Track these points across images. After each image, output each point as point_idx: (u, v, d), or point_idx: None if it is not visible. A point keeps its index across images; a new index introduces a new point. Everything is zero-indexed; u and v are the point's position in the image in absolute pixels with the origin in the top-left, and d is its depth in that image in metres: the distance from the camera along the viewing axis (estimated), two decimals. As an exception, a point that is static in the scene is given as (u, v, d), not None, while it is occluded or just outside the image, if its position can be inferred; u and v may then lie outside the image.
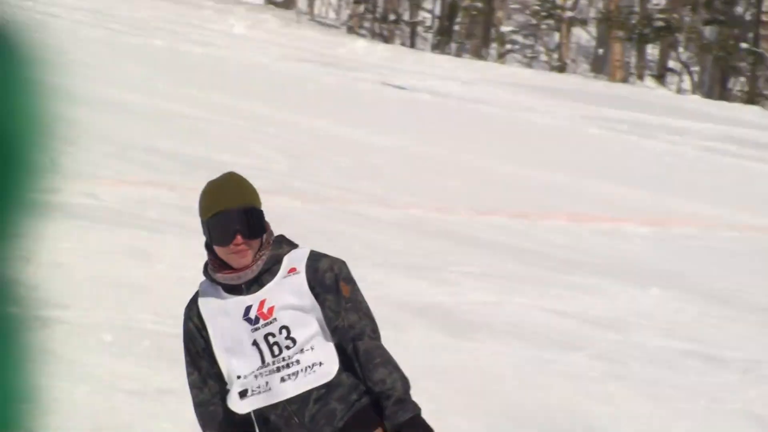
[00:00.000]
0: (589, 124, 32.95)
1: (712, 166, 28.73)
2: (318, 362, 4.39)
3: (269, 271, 4.42)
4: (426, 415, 8.47)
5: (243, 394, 4.40)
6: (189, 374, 4.57)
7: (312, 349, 4.41)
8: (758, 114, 44.93)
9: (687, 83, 56.82)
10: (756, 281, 14.88)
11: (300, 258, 4.46)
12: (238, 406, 4.39)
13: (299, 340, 4.40)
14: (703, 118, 37.37)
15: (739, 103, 49.13)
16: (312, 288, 4.40)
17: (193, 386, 4.55)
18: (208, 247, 4.43)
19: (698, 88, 55.52)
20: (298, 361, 4.39)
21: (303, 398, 4.36)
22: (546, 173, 22.88)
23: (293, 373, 4.37)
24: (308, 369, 4.38)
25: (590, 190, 21.96)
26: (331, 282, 4.41)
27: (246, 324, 4.42)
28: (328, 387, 4.37)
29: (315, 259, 4.46)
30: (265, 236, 4.40)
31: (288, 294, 4.41)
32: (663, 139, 32.22)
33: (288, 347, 4.40)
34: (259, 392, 4.37)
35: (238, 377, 4.41)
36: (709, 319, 12.16)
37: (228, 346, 4.45)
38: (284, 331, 4.40)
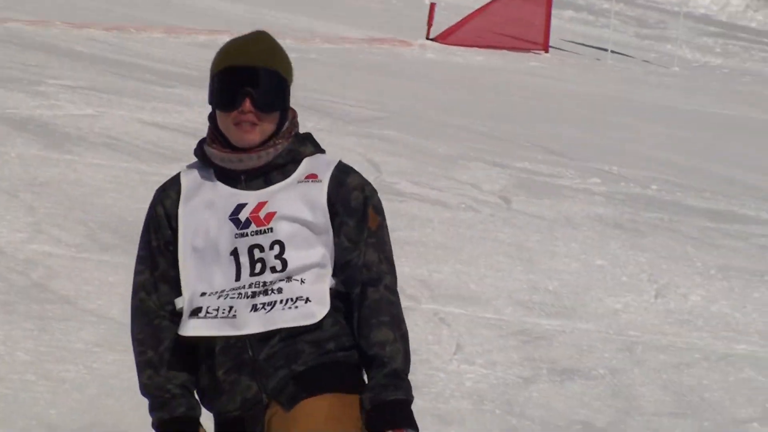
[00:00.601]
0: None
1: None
2: (304, 298, 3.46)
3: (282, 169, 3.51)
4: (24, 221, 8.22)
5: (195, 312, 3.44)
6: (138, 273, 3.57)
7: (302, 282, 3.48)
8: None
9: None
10: (351, 93, 15.36)
11: (325, 165, 3.55)
12: (183, 327, 3.44)
13: (291, 265, 3.46)
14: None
15: None
16: (331, 205, 3.49)
17: (140, 288, 3.56)
18: (212, 116, 3.54)
19: None
20: (279, 290, 3.45)
21: (269, 332, 3.44)
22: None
23: (269, 303, 3.43)
24: (289, 302, 3.45)
25: (186, 3, 22.23)
26: (357, 204, 3.51)
27: (231, 225, 3.47)
28: (306, 328, 3.46)
29: (344, 171, 3.55)
30: (287, 124, 3.53)
31: (299, 202, 3.49)
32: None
33: (274, 269, 3.45)
34: (215, 317, 3.42)
35: (202, 294, 3.46)
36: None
37: (198, 247, 3.49)
38: (276, 248, 3.46)
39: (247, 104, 3.39)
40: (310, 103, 14.06)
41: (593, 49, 25.28)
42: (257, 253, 3.43)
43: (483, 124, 14.93)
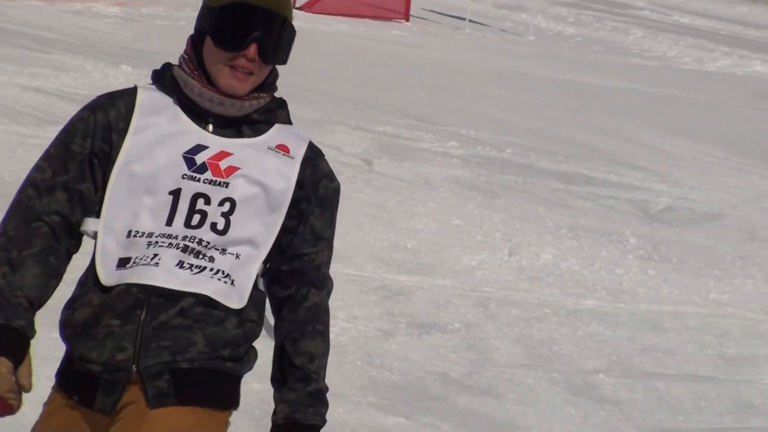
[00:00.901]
0: None
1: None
2: (231, 279, 2.99)
3: (254, 126, 3.08)
4: None
5: (125, 261, 2.94)
6: (38, 169, 3.01)
7: (237, 257, 3.01)
8: None
9: None
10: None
11: (297, 140, 3.11)
12: (108, 275, 2.93)
13: (233, 234, 2.99)
14: None
15: None
16: (301, 187, 3.05)
17: (32, 185, 3.00)
18: (195, 42, 3.04)
19: None
20: (212, 259, 2.98)
21: (175, 297, 2.93)
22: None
23: (198, 267, 2.95)
24: (220, 273, 2.97)
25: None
26: (325, 194, 3.11)
27: (182, 163, 2.96)
28: (210, 314, 2.97)
29: (317, 153, 3.12)
30: (271, 78, 3.10)
31: (271, 170, 3.03)
32: None
33: (215, 227, 2.97)
34: (137, 264, 2.93)
35: (131, 232, 2.96)
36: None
37: (136, 173, 2.97)
38: (226, 206, 2.97)
39: (253, 50, 2.94)
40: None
41: (452, 18, 25.42)
42: (200, 204, 2.95)
43: (347, 90, 14.92)
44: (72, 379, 2.92)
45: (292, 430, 2.91)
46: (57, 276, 2.92)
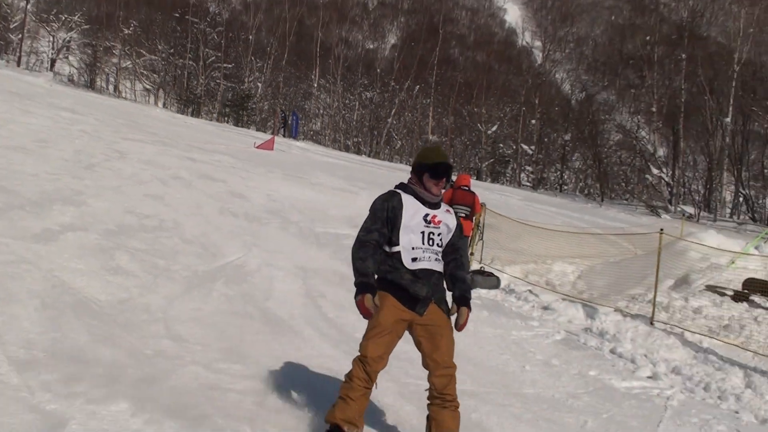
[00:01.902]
0: None
1: None
2: (442, 262, 5.74)
3: (438, 205, 5.74)
4: None
5: (414, 259, 5.60)
6: (366, 222, 5.67)
7: (444, 253, 5.76)
8: None
9: None
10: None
11: (450, 209, 5.79)
12: (410, 264, 5.60)
13: (442, 245, 5.71)
14: None
15: None
16: (455, 225, 5.75)
17: (364, 229, 5.63)
18: (419, 175, 5.73)
19: None
20: (438, 257, 5.70)
21: (434, 273, 5.67)
22: None
23: (437, 259, 5.66)
24: (441, 263, 5.71)
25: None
26: (458, 225, 5.77)
27: (422, 221, 5.62)
28: (442, 278, 5.72)
29: (455, 214, 5.79)
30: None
31: (449, 221, 5.74)
32: None
33: (438, 244, 5.65)
34: (424, 259, 5.60)
35: (413, 248, 5.58)
36: None
37: (409, 225, 5.59)
38: (438, 236, 5.65)
39: (443, 180, 5.60)
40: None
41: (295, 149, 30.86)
42: (431, 235, 5.64)
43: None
44: (403, 295, 5.70)
45: (462, 298, 5.71)
46: (377, 263, 5.64)
